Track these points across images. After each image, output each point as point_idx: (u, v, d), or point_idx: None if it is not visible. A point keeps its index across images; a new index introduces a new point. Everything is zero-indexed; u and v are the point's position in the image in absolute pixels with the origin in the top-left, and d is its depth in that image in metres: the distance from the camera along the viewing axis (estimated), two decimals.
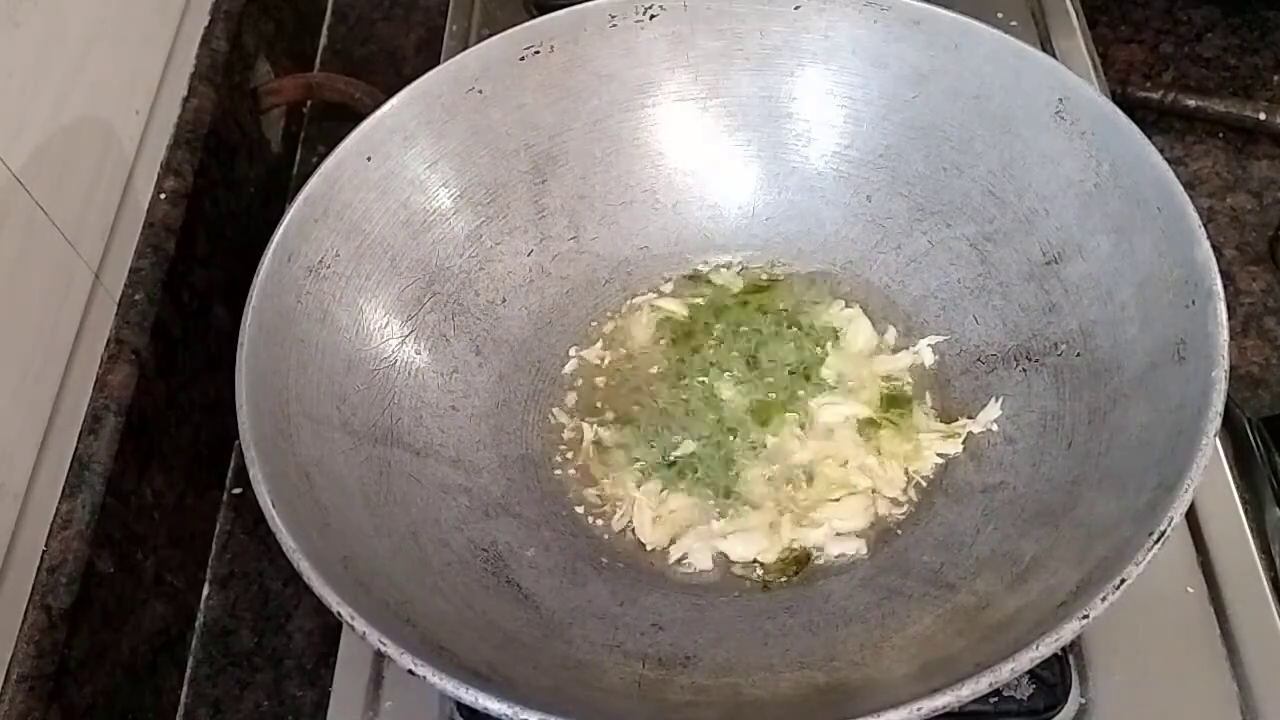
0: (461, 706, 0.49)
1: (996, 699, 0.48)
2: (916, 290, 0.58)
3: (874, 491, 0.53)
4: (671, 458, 0.54)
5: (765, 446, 0.54)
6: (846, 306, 0.59)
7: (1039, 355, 0.53)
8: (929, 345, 0.57)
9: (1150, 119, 0.73)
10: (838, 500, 0.52)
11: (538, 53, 0.58)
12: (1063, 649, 0.40)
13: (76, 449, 0.52)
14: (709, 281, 0.61)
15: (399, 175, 0.55)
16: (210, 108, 0.64)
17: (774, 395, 0.56)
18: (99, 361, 0.54)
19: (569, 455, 0.55)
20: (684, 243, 0.61)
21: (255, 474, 0.44)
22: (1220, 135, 0.73)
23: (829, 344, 0.58)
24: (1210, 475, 0.55)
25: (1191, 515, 0.53)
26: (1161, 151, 0.49)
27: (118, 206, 0.57)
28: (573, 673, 0.46)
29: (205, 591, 0.60)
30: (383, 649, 0.39)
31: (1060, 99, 0.52)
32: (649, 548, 0.52)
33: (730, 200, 0.61)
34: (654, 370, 0.58)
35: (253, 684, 0.57)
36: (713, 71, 0.60)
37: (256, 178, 0.71)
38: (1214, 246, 0.46)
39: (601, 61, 0.59)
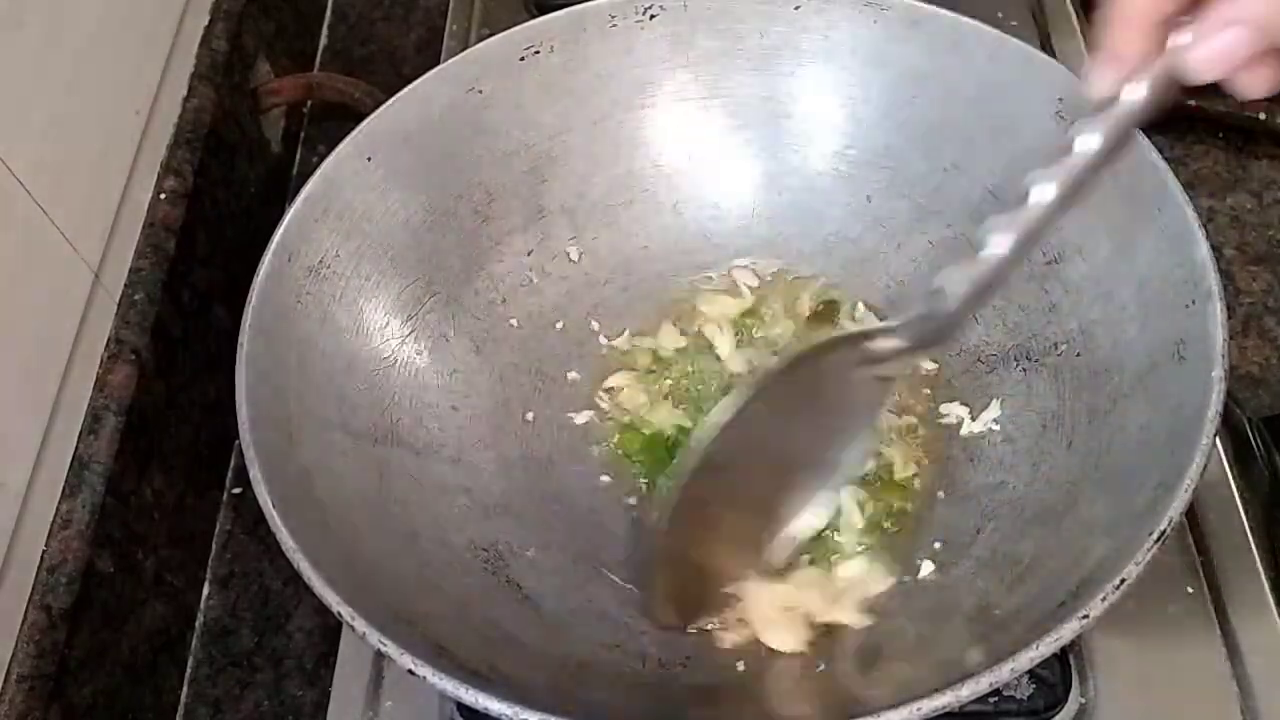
0: (461, 706, 0.49)
1: (996, 699, 0.48)
2: (917, 290, 0.58)
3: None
4: None
5: None
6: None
7: (1039, 355, 0.53)
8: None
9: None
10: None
11: (538, 53, 0.58)
12: (1063, 649, 0.40)
13: (76, 449, 0.52)
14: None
15: (399, 175, 0.55)
16: (210, 108, 0.64)
17: None
18: (99, 361, 0.54)
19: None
20: (684, 242, 0.61)
21: (255, 474, 0.44)
22: (1220, 135, 0.73)
23: None
24: (1210, 475, 0.55)
25: (1191, 515, 0.53)
26: (1161, 151, 0.49)
27: (118, 206, 0.57)
28: (573, 673, 0.46)
29: (205, 591, 0.60)
30: (383, 649, 0.39)
31: (1060, 99, 0.52)
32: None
33: (730, 200, 0.61)
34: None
35: (253, 684, 0.57)
36: (713, 71, 0.60)
37: (256, 178, 0.71)
38: (1214, 246, 0.46)
39: (601, 61, 0.59)
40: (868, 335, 0.45)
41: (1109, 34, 0.38)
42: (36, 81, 0.51)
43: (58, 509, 0.50)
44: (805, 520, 0.49)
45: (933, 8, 0.56)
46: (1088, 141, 0.39)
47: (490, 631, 0.46)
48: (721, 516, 0.47)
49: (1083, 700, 0.49)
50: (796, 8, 0.58)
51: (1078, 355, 0.51)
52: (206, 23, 0.68)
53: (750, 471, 0.46)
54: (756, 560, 0.48)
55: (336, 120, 0.74)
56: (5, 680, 0.45)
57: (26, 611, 0.47)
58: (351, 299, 0.53)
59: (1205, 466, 0.41)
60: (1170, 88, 0.38)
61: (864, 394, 0.47)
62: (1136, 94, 0.38)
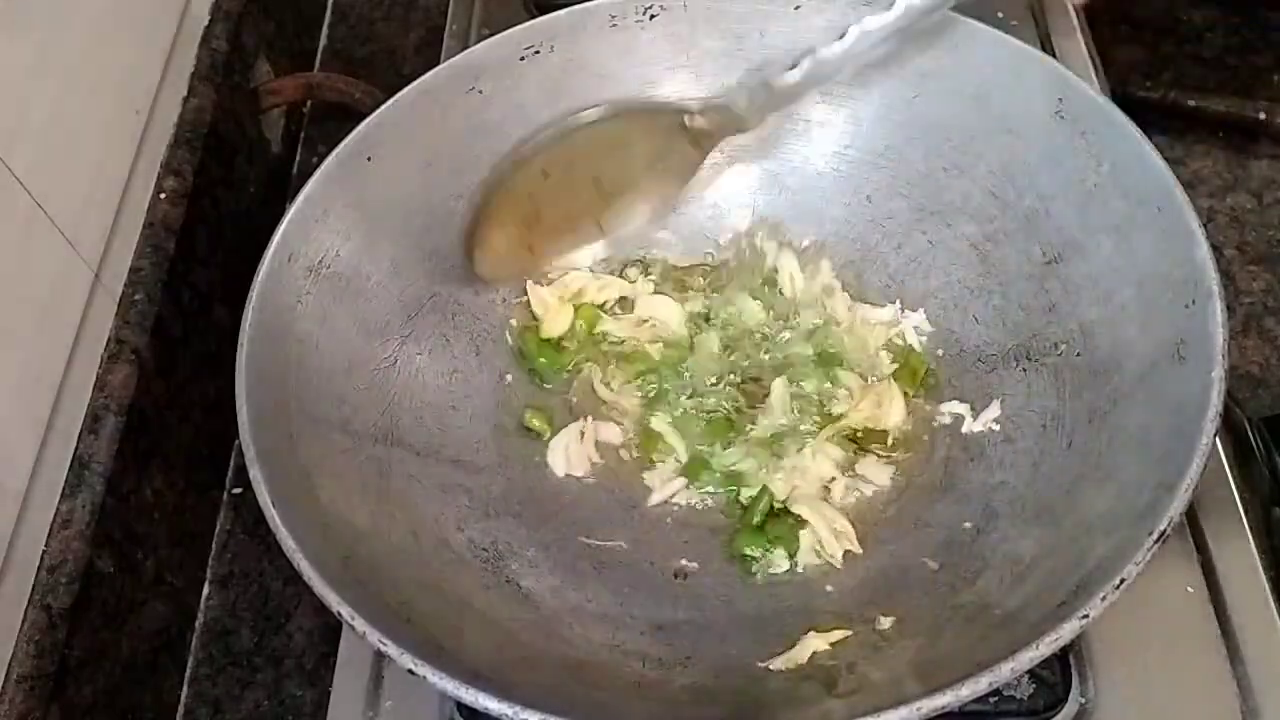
0: (461, 706, 0.49)
1: (996, 699, 0.48)
2: (917, 290, 0.58)
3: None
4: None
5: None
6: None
7: (1039, 355, 0.53)
8: (922, 318, 0.57)
9: (1150, 119, 0.72)
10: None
11: (538, 53, 0.58)
12: (1063, 649, 0.40)
13: (76, 449, 0.52)
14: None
15: (399, 175, 0.55)
16: (210, 107, 0.64)
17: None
18: (99, 361, 0.54)
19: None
20: (684, 243, 0.61)
21: (255, 474, 0.44)
22: (1220, 135, 0.73)
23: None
24: (1210, 475, 0.55)
25: (1191, 515, 0.53)
26: (1161, 151, 0.49)
27: (118, 206, 0.57)
28: (573, 673, 0.46)
29: (205, 591, 0.60)
30: (383, 649, 0.39)
31: (1060, 99, 0.52)
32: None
33: (730, 200, 0.61)
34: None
35: (253, 684, 0.57)
36: (713, 71, 0.60)
37: (256, 178, 0.71)
38: (1214, 246, 0.46)
39: (601, 61, 0.59)
40: (687, 109, 0.54)
41: None
42: (36, 81, 0.51)
43: (58, 509, 0.50)
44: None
45: None
46: None
47: (490, 631, 0.46)
48: (553, 198, 0.55)
49: (1083, 700, 0.49)
50: (796, 8, 0.58)
51: (1078, 355, 0.51)
52: (206, 23, 0.68)
53: (577, 181, 0.55)
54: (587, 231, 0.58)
55: (336, 120, 0.74)
56: (5, 680, 0.46)
57: (26, 611, 0.47)
58: (351, 299, 0.53)
59: (1205, 466, 0.41)
60: None
61: (674, 161, 0.56)
62: None
